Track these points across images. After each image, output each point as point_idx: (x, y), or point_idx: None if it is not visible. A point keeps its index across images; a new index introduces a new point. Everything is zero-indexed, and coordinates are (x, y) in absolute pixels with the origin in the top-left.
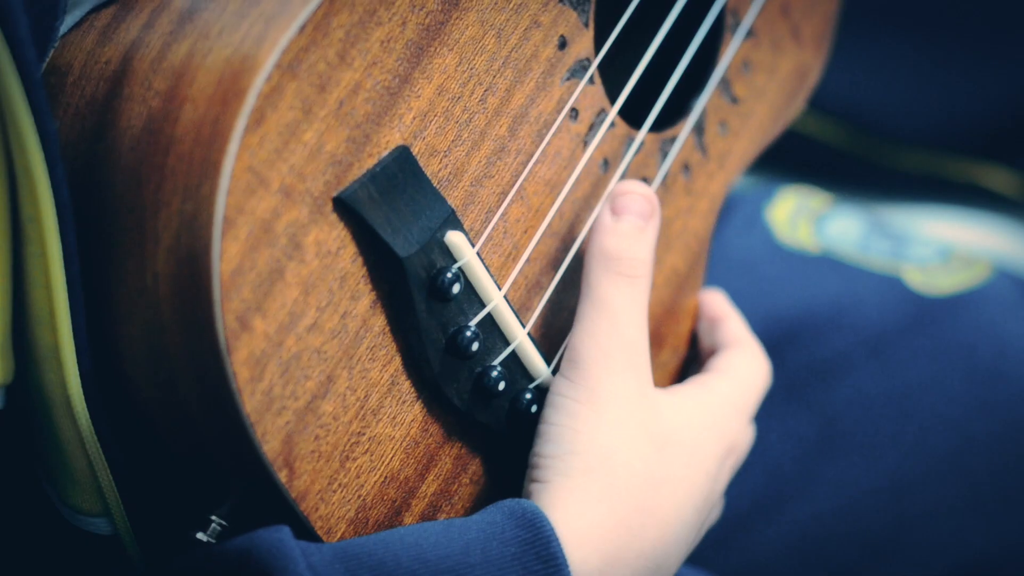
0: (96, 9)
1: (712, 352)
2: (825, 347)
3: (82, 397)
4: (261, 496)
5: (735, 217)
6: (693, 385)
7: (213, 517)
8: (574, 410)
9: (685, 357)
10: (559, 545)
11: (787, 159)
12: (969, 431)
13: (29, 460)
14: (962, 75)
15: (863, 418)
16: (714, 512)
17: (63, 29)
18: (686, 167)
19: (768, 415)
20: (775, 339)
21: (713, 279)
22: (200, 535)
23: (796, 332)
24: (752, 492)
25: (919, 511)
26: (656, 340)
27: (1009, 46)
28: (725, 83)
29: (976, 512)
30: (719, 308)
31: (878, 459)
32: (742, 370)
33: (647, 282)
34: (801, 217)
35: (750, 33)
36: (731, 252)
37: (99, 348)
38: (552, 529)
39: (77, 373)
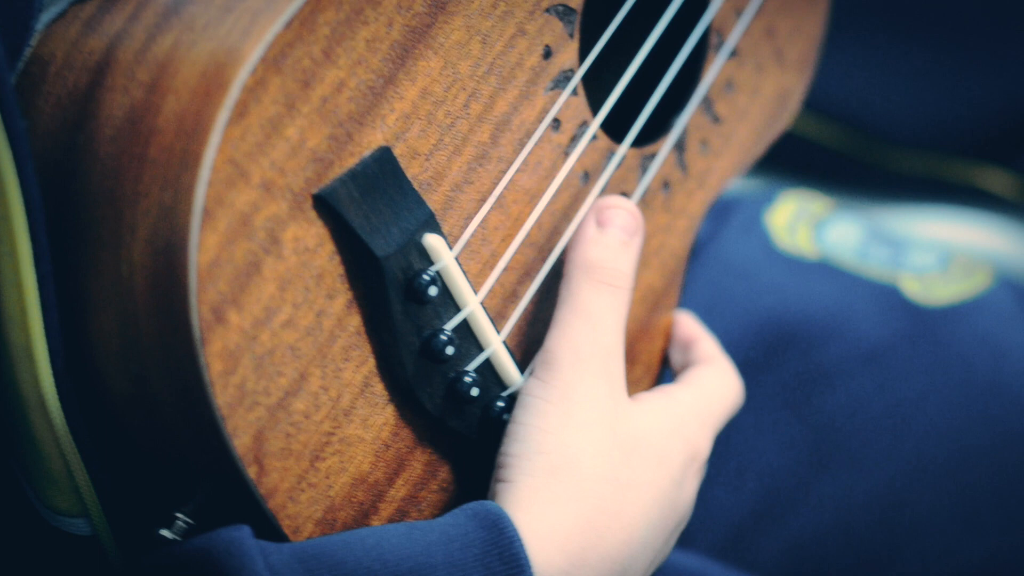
0: (80, 1)
1: (683, 369)
2: (819, 356)
3: (56, 396)
4: (229, 493)
5: (734, 219)
6: (659, 393)
7: (179, 514)
8: (544, 410)
9: (658, 375)
10: (522, 546)
11: (786, 161)
12: (966, 443)
13: (8, 460)
14: (961, 77)
15: (858, 429)
16: (681, 525)
17: (43, 21)
18: (666, 184)
19: (762, 423)
20: (769, 344)
21: (709, 281)
22: (165, 532)
23: (790, 339)
24: (748, 503)
25: (915, 523)
26: (630, 357)
27: (1008, 48)
28: (707, 102)
29: (973, 524)
30: (691, 330)
31: (874, 471)
32: (708, 383)
33: (628, 295)
34: (801, 222)
35: (734, 53)
36: (729, 255)
37: (72, 343)
38: (515, 530)
39: (50, 372)
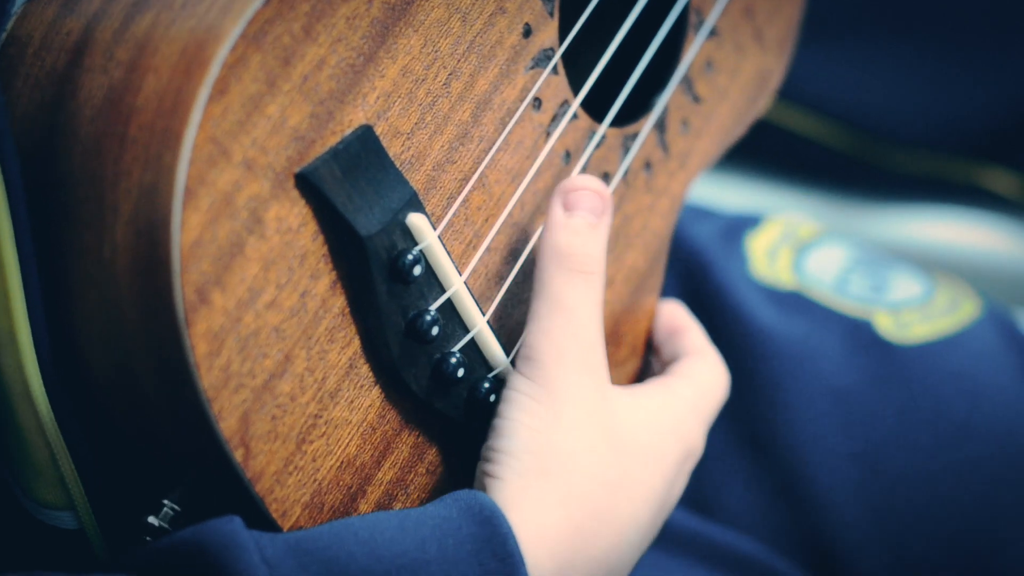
0: None
1: (672, 362)
2: (786, 391)
3: (41, 381)
4: (215, 478)
5: (717, 232)
6: (655, 386)
7: (165, 501)
8: (531, 408)
9: (643, 356)
10: (516, 543)
11: (790, 161)
12: (936, 489)
13: None
14: (963, 76)
15: (825, 471)
16: (667, 517)
17: (19, 2)
18: (648, 164)
19: (728, 462)
20: (732, 369)
21: (681, 287)
22: (152, 519)
23: (756, 369)
24: None
25: (881, 570)
26: (614, 338)
27: (1010, 47)
28: (688, 81)
29: (942, 571)
30: (679, 319)
31: (841, 513)
32: (703, 376)
33: (601, 279)
34: (784, 246)
35: (713, 32)
36: (703, 273)
37: (55, 327)
38: (509, 526)
39: (35, 357)
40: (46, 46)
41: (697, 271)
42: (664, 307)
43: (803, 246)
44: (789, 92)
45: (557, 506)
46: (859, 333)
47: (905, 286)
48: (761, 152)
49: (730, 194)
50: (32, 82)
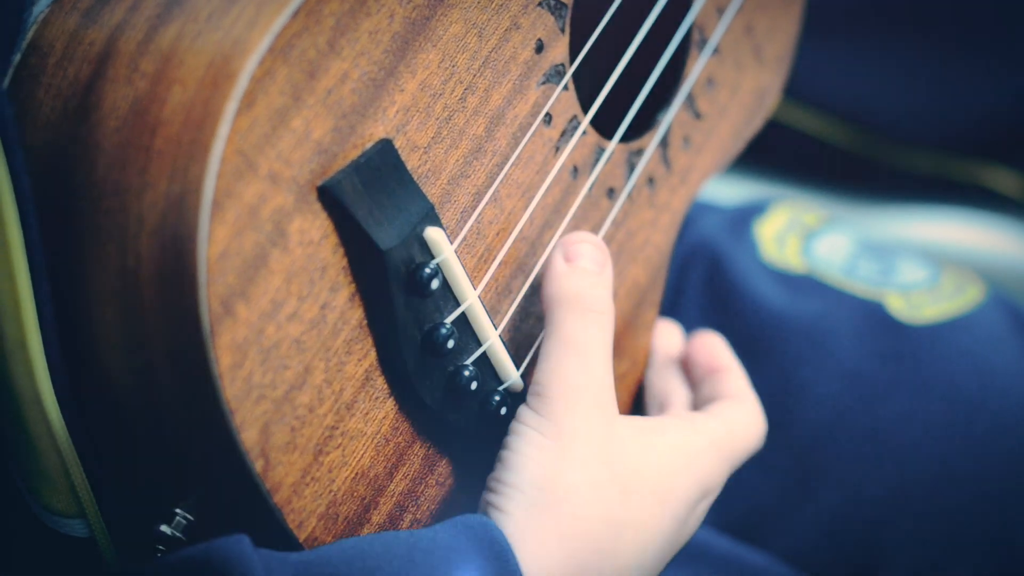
0: None
1: (710, 402)
2: (801, 373)
3: (52, 390)
4: (231, 488)
5: (722, 215)
6: (675, 420)
7: (178, 510)
8: (539, 443)
9: (643, 368)
10: None
11: (791, 159)
12: (949, 463)
13: (3, 458)
14: (966, 75)
15: (840, 448)
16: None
17: (35, 12)
18: (651, 180)
19: None
20: (749, 359)
21: (694, 289)
22: (165, 528)
23: (771, 352)
24: (733, 525)
25: (898, 543)
26: (615, 352)
27: (1014, 45)
28: (690, 98)
29: (956, 544)
30: (721, 358)
31: (856, 490)
32: (736, 420)
33: (612, 319)
34: (792, 233)
35: (715, 50)
36: (716, 261)
37: (70, 335)
38: (517, 563)
39: (45, 366)
40: (68, 56)
41: (709, 261)
42: (703, 340)
43: (809, 233)
44: (793, 90)
45: (561, 542)
46: (872, 314)
47: (912, 270)
48: (765, 150)
49: (733, 192)
50: (54, 92)
